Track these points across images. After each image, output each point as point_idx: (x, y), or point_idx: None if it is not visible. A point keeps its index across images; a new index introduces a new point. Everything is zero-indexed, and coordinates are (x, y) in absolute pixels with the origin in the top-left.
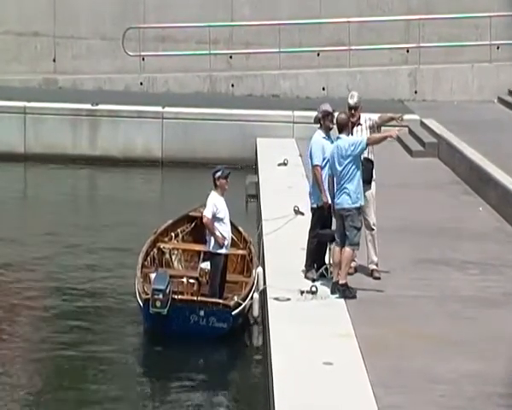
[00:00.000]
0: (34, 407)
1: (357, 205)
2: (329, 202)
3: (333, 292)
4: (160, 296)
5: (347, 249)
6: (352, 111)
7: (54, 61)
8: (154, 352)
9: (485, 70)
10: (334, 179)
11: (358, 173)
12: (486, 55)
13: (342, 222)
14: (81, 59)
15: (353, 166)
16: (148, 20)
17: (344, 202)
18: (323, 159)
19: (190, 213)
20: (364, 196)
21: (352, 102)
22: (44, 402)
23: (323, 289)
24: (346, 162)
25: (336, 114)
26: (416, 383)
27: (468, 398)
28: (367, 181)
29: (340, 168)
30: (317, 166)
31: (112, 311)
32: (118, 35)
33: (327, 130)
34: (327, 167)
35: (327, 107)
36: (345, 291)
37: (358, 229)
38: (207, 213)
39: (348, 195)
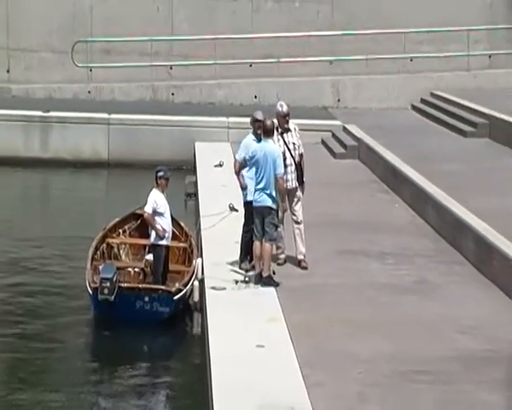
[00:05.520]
0: None
1: (276, 205)
2: (248, 198)
3: (257, 282)
4: (108, 284)
5: (267, 245)
6: (287, 117)
7: (8, 71)
8: (103, 336)
9: (400, 80)
10: (253, 178)
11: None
12: (401, 67)
13: (262, 218)
14: (33, 70)
15: (273, 172)
16: (95, 34)
17: (266, 201)
18: (250, 157)
19: (137, 211)
20: (294, 194)
21: (285, 109)
22: None
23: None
24: (271, 166)
25: (264, 120)
26: (339, 363)
27: (385, 375)
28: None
29: (263, 170)
30: (235, 161)
31: (62, 300)
32: (67, 48)
33: (256, 134)
34: (251, 166)
35: (256, 114)
36: (269, 281)
37: (277, 226)
38: (148, 209)
39: (270, 196)
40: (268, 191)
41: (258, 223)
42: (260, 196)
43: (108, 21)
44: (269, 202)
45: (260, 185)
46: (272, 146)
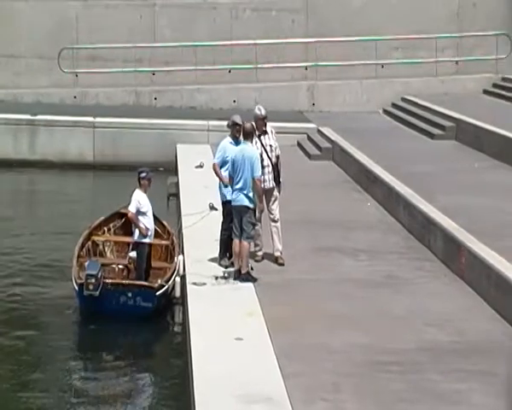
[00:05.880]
0: None
1: (253, 205)
2: (225, 198)
3: (236, 278)
4: (93, 280)
5: (245, 243)
6: (265, 120)
7: None
8: (88, 330)
9: (372, 85)
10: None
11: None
12: (373, 73)
13: (240, 217)
14: (21, 75)
15: (251, 173)
16: (81, 42)
17: (243, 200)
18: (224, 161)
19: (121, 210)
20: (271, 194)
21: (263, 112)
22: None
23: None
24: (249, 168)
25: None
26: (314, 354)
27: (358, 365)
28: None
29: (241, 171)
30: (214, 164)
31: (49, 295)
32: (54, 54)
33: (234, 137)
34: (227, 166)
35: (235, 118)
36: (247, 277)
37: (254, 224)
38: (131, 208)
39: (247, 196)
40: (245, 191)
41: (237, 222)
42: (238, 196)
43: (93, 29)
44: (245, 202)
45: (238, 186)
46: (250, 149)
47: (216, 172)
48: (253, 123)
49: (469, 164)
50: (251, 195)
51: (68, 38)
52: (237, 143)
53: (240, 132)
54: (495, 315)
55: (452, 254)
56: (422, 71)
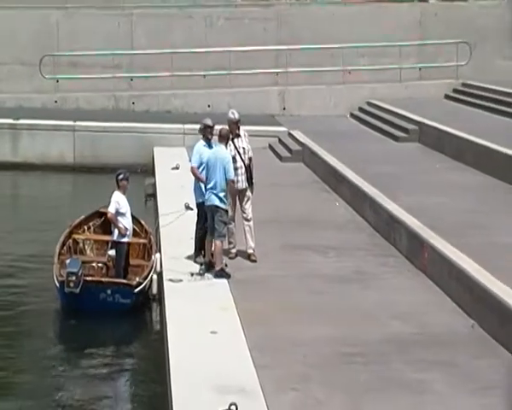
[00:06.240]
0: None
1: (226, 206)
2: (199, 199)
3: (207, 271)
4: (74, 278)
5: (218, 242)
6: (238, 124)
7: None
8: (70, 325)
9: (339, 90)
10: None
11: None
12: (340, 79)
13: (212, 216)
14: (3, 81)
15: (225, 175)
16: (62, 48)
17: (214, 200)
18: (201, 163)
19: (101, 210)
20: (244, 194)
21: (236, 116)
22: None
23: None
24: (221, 170)
25: (220, 127)
26: (285, 346)
27: (325, 357)
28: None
29: (214, 173)
30: (193, 167)
31: (32, 292)
32: (35, 61)
33: (206, 139)
34: (203, 169)
35: (206, 121)
36: (221, 274)
37: (226, 223)
38: (111, 209)
39: (217, 196)
40: (215, 191)
41: (210, 221)
42: (210, 196)
43: (74, 36)
44: (216, 202)
45: (209, 185)
46: (223, 152)
47: (196, 175)
48: (226, 127)
49: (431, 165)
50: (221, 195)
51: (49, 45)
52: (210, 145)
53: (211, 134)
54: (456, 308)
55: (416, 250)
56: (387, 77)
